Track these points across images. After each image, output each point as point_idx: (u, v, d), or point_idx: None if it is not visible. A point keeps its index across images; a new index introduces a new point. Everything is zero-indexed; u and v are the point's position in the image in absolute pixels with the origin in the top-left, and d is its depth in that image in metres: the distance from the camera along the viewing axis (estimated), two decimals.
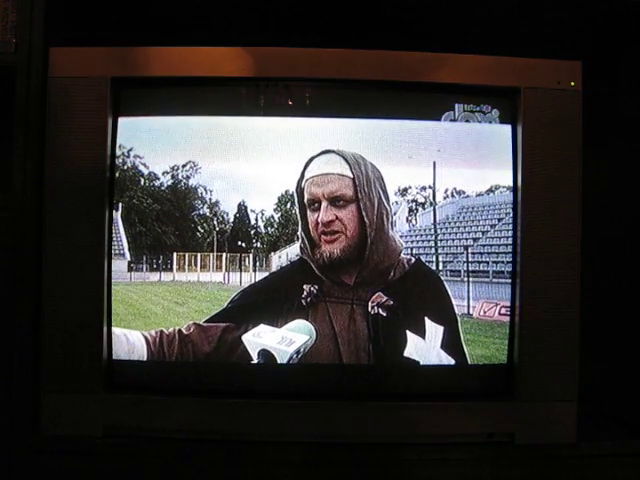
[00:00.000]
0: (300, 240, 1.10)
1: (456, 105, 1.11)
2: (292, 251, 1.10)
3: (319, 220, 1.09)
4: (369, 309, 1.09)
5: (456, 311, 1.10)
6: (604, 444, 1.12)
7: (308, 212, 1.09)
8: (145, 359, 1.09)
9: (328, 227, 1.08)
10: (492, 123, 1.11)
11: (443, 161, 1.10)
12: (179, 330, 1.09)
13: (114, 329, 1.08)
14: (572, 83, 1.09)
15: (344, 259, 1.09)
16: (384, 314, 1.09)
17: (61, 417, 1.07)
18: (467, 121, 1.11)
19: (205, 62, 1.08)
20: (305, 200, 1.09)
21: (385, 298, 1.09)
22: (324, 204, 1.09)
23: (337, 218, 1.09)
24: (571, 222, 1.08)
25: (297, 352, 1.08)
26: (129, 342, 1.09)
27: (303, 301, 1.09)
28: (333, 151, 1.09)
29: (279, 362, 1.08)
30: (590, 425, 1.16)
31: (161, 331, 1.09)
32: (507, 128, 1.11)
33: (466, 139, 1.10)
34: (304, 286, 1.09)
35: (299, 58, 1.08)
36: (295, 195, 1.09)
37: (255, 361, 1.08)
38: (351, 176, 1.08)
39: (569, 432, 1.09)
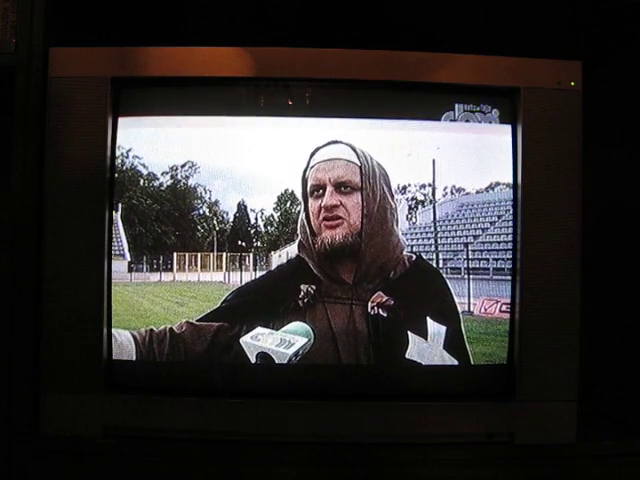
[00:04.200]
0: (300, 235, 1.09)
1: (456, 105, 1.11)
2: (292, 250, 1.09)
3: (322, 205, 1.07)
4: (369, 309, 1.08)
5: (459, 310, 1.09)
6: (604, 444, 1.12)
7: (310, 200, 1.08)
8: (134, 359, 1.08)
9: (331, 212, 1.07)
10: (492, 123, 1.11)
11: (443, 159, 1.09)
12: (170, 328, 1.08)
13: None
14: (572, 83, 1.09)
15: (345, 247, 1.07)
16: (384, 314, 1.08)
17: (61, 417, 1.06)
18: (467, 121, 1.11)
19: (205, 62, 1.08)
20: (308, 188, 1.08)
21: (385, 298, 1.08)
22: (329, 189, 1.07)
23: (341, 204, 1.07)
24: (571, 221, 1.08)
25: (296, 354, 1.07)
26: (117, 341, 1.08)
27: (300, 302, 1.08)
28: (341, 141, 1.08)
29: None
30: (590, 425, 1.16)
31: (151, 330, 1.08)
32: (507, 128, 1.11)
33: (466, 138, 1.10)
34: (301, 286, 1.09)
35: (299, 58, 1.08)
36: (300, 186, 1.08)
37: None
38: (359, 164, 1.08)
39: (569, 432, 1.09)
